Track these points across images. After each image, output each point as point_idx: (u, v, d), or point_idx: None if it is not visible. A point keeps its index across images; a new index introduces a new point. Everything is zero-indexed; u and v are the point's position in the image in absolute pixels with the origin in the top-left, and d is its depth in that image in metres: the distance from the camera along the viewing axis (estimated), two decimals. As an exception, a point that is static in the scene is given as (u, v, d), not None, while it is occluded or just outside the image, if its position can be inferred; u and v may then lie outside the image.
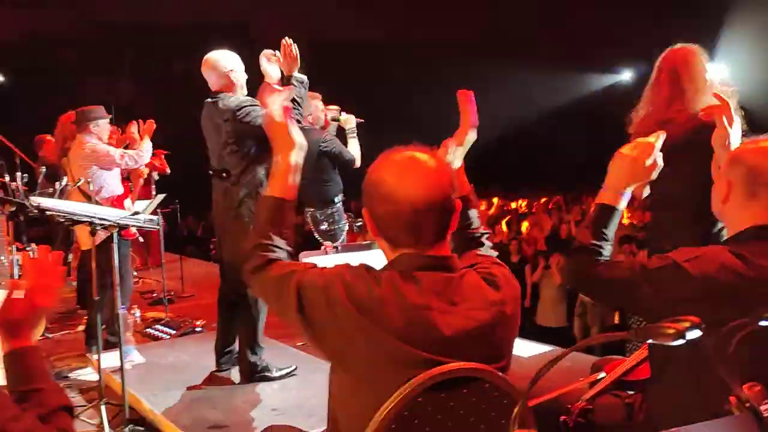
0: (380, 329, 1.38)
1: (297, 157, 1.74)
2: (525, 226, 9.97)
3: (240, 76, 3.72)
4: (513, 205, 12.12)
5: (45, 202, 2.96)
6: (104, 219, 2.95)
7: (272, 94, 1.88)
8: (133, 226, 3.18)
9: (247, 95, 3.72)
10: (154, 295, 6.34)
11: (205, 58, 3.71)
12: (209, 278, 7.29)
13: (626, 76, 17.20)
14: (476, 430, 1.39)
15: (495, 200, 12.47)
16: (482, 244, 1.84)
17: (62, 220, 2.93)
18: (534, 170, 16.05)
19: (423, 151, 1.51)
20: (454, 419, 1.37)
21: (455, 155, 1.93)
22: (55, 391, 1.30)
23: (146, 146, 4.84)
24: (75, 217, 2.91)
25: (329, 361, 1.51)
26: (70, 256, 6.97)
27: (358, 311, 1.39)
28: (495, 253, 1.80)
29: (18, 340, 1.32)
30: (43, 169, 4.48)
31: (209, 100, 3.70)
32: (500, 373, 1.41)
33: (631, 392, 1.96)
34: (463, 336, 1.41)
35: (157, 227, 3.14)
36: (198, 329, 5.06)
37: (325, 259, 2.54)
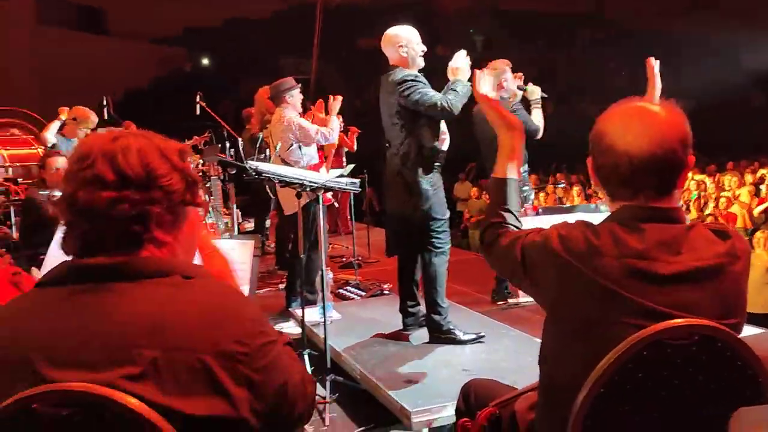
0: (600, 278, 1.36)
1: (513, 139, 1.81)
2: (723, 202, 9.19)
3: (413, 51, 3.78)
4: (709, 179, 11.16)
5: (261, 166, 3.26)
6: (313, 181, 3.18)
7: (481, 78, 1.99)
8: (337, 189, 3.39)
9: (421, 70, 3.79)
10: (344, 259, 6.73)
11: (384, 33, 3.85)
12: (393, 246, 7.58)
13: None
14: (704, 390, 1.34)
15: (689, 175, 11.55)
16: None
17: (276, 181, 3.21)
18: (738, 140, 14.46)
19: (657, 102, 1.46)
20: (681, 376, 1.32)
21: None
22: None
23: (334, 124, 5.08)
24: (287, 179, 3.17)
25: (547, 312, 1.52)
26: (268, 222, 7.61)
27: (576, 261, 1.39)
28: None
29: None
30: (261, 135, 4.89)
31: (384, 75, 3.84)
32: (735, 333, 1.33)
33: None
34: (689, 288, 1.36)
35: (358, 190, 3.33)
36: (386, 292, 5.29)
37: (526, 222, 2.54)
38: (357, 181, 3.43)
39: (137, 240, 1.21)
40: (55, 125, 6.60)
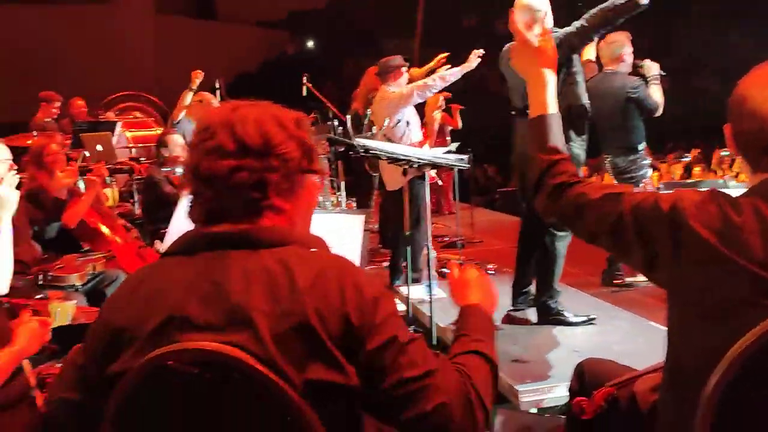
0: (740, 258, 1.26)
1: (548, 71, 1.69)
2: None
3: (549, 18, 3.69)
4: None
5: (368, 143, 3.29)
6: (420, 158, 3.17)
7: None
8: (445, 165, 3.38)
9: None
10: (446, 239, 6.71)
11: (517, 1, 3.75)
12: (496, 226, 7.48)
13: None
14: None
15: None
16: None
17: (384, 158, 3.23)
18: None
19: None
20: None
21: None
22: (481, 341, 1.36)
23: (435, 78, 4.89)
24: (394, 156, 3.18)
25: (666, 289, 1.43)
26: (371, 201, 7.70)
27: (713, 238, 1.28)
28: None
29: None
30: (368, 112, 4.94)
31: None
32: None
33: None
34: None
35: (467, 166, 3.29)
36: (490, 272, 5.23)
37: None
38: (465, 157, 3.38)
39: (257, 207, 1.25)
40: (189, 95, 6.93)
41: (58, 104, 7.50)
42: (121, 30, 12.95)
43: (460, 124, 7.76)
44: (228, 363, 1.13)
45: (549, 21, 3.66)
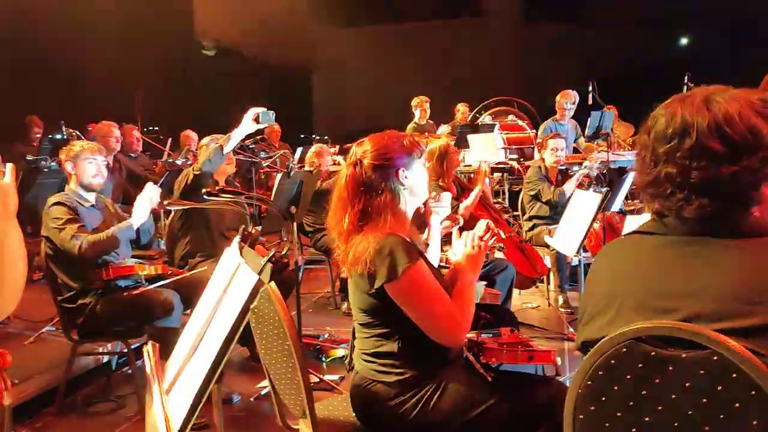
0: None
1: None
2: None
3: None
4: None
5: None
6: None
7: None
8: None
9: None
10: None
11: None
12: None
13: None
14: None
15: None
16: None
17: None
18: None
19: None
20: None
21: None
22: None
23: None
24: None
25: None
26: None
27: None
28: None
29: None
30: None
31: None
32: None
33: None
34: None
35: None
36: None
37: None
38: None
39: (753, 203, 1.22)
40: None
41: (426, 105, 8.40)
42: (494, 38, 13.74)
43: None
44: (707, 347, 1.13)
45: None
